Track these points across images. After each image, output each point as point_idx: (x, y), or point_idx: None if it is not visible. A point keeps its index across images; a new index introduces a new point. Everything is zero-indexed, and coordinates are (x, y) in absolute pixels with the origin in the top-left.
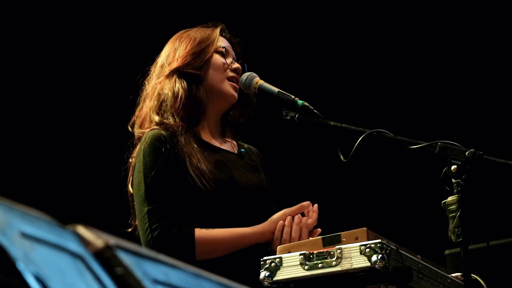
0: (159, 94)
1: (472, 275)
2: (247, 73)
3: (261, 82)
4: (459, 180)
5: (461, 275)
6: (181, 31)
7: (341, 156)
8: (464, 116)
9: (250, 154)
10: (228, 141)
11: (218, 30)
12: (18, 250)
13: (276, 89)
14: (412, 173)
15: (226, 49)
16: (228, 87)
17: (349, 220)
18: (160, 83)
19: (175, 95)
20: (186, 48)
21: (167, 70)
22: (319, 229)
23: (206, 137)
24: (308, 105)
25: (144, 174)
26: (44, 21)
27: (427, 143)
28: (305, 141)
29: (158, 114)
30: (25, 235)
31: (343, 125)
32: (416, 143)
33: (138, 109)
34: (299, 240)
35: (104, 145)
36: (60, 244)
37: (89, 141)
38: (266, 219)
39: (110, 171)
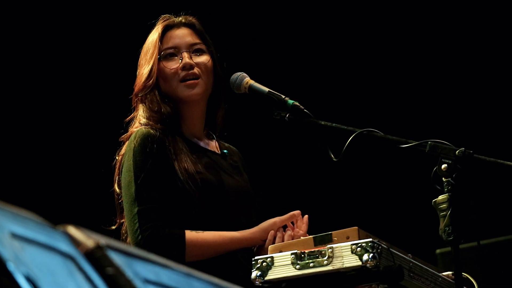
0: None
1: (463, 273)
2: (238, 73)
3: (251, 82)
4: (449, 179)
5: (452, 274)
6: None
7: (332, 156)
8: (454, 115)
9: (231, 155)
10: (211, 141)
11: (160, 29)
12: (8, 250)
13: (266, 89)
14: (403, 172)
15: (170, 50)
16: (182, 90)
17: (340, 219)
18: (136, 101)
19: (149, 110)
20: (141, 66)
21: (134, 94)
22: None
23: (192, 137)
24: (299, 104)
25: (135, 173)
26: (45, 21)
27: (417, 142)
28: (296, 141)
29: (144, 117)
30: (15, 236)
31: (334, 124)
32: (406, 142)
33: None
34: None
35: (92, 144)
36: (51, 245)
37: (77, 141)
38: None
39: (97, 170)
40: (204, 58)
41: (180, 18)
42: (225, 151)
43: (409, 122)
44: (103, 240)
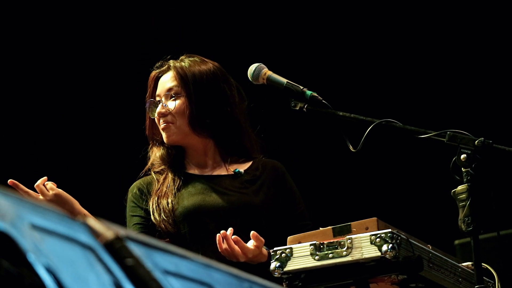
0: None
1: (483, 264)
2: (255, 64)
3: (270, 73)
4: (468, 169)
5: (471, 265)
6: None
7: (350, 147)
8: (474, 105)
9: (256, 170)
10: (226, 165)
11: (152, 80)
12: (28, 242)
13: (284, 80)
14: (422, 163)
15: (156, 97)
16: (162, 136)
17: (359, 210)
18: None
19: (154, 154)
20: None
21: None
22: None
23: (192, 169)
24: (317, 95)
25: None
26: (46, 22)
27: (436, 132)
28: (314, 132)
29: (151, 162)
30: (35, 227)
31: (352, 115)
32: (425, 133)
33: None
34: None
35: (113, 139)
36: (70, 236)
37: (98, 135)
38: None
39: (118, 163)
40: (176, 103)
41: (171, 63)
42: (237, 170)
43: (428, 112)
44: (122, 231)
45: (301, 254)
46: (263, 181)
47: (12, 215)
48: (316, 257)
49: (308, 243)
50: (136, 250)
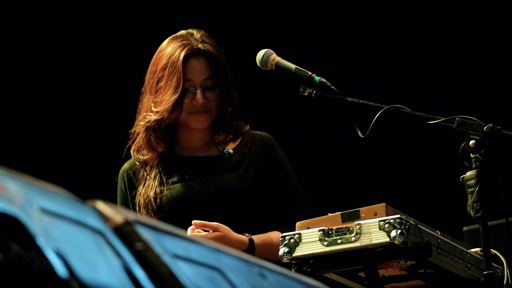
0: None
1: (491, 250)
2: (264, 50)
3: (278, 59)
4: (477, 155)
5: (480, 250)
6: (157, 51)
7: (359, 132)
8: (482, 91)
9: (244, 147)
10: (215, 144)
11: (181, 56)
12: (38, 225)
13: (293, 66)
14: (430, 149)
15: (186, 82)
16: (190, 121)
17: (368, 196)
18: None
19: (146, 134)
20: (164, 86)
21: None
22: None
23: (181, 150)
24: (326, 81)
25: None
26: (46, 21)
27: (445, 118)
28: (323, 118)
29: (139, 143)
30: (44, 211)
31: (361, 101)
32: (434, 118)
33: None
34: None
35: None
36: (80, 220)
37: (107, 120)
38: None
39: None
40: (215, 93)
41: (199, 45)
42: (225, 150)
43: (437, 98)
44: (131, 216)
45: (310, 240)
46: (251, 158)
47: (21, 199)
48: (325, 243)
49: (317, 229)
50: (145, 234)
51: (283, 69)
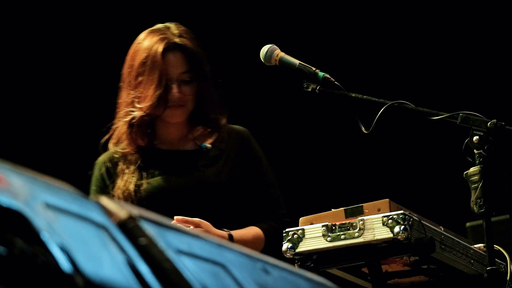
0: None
1: (495, 246)
2: (268, 46)
3: (282, 54)
4: (481, 151)
5: (483, 246)
6: (134, 44)
7: (363, 128)
8: (486, 87)
9: (221, 141)
10: (193, 138)
11: (160, 49)
12: (42, 220)
13: (297, 61)
14: (434, 145)
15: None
16: (167, 115)
17: (371, 192)
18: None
19: (128, 128)
20: (145, 81)
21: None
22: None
23: (159, 143)
24: (329, 77)
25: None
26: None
27: (448, 114)
28: (327, 113)
29: (119, 136)
30: (49, 206)
31: (365, 96)
32: (437, 114)
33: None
34: None
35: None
36: (84, 215)
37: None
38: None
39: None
40: (191, 87)
41: (175, 39)
42: (203, 145)
43: (441, 93)
44: (135, 211)
45: (313, 235)
46: (229, 153)
47: (26, 194)
48: (328, 238)
49: (320, 225)
50: (149, 229)
51: (287, 65)
